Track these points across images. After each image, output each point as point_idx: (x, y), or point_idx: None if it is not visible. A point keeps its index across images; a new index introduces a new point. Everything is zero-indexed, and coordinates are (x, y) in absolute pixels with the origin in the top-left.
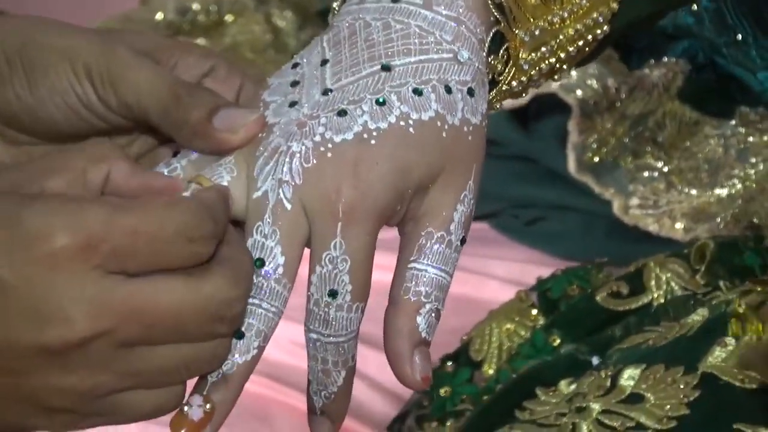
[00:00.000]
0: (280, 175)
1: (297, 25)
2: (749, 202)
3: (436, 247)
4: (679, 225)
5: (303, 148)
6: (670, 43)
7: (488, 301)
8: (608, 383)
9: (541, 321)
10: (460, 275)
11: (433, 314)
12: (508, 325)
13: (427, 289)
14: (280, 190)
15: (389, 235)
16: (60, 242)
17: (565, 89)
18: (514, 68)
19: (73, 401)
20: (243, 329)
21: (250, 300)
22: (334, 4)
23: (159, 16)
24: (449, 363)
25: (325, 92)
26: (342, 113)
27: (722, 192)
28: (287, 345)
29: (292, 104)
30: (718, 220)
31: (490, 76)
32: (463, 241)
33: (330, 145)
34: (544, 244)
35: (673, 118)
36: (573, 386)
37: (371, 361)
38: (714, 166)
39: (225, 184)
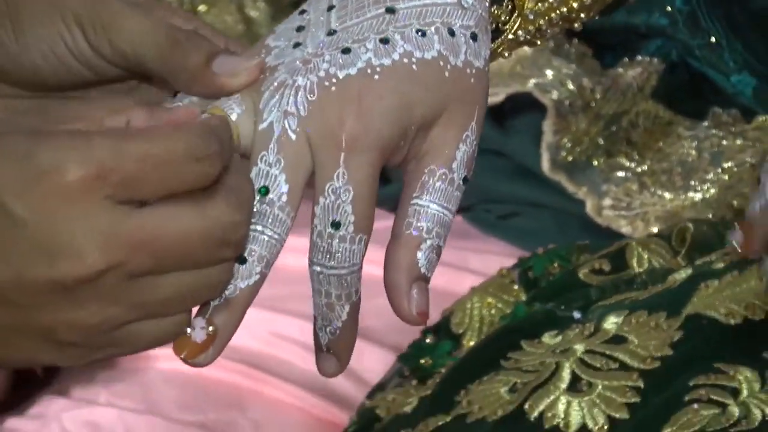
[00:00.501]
0: (286, 107)
1: (270, 16)
2: (727, 191)
3: (438, 184)
4: (654, 229)
5: (308, 82)
6: (644, 41)
7: (461, 293)
8: (591, 329)
9: (522, 297)
10: (437, 268)
11: (433, 251)
12: (490, 299)
13: (429, 224)
14: (285, 121)
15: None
16: (71, 175)
17: (540, 89)
18: (519, 18)
19: (83, 335)
20: (246, 254)
21: (254, 226)
22: None
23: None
24: (430, 335)
25: (330, 33)
26: (346, 51)
27: (696, 196)
28: (264, 335)
29: (296, 45)
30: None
31: (494, 26)
32: (465, 180)
33: (334, 80)
34: (518, 240)
35: (647, 117)
36: (558, 338)
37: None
38: (687, 169)
39: (234, 117)
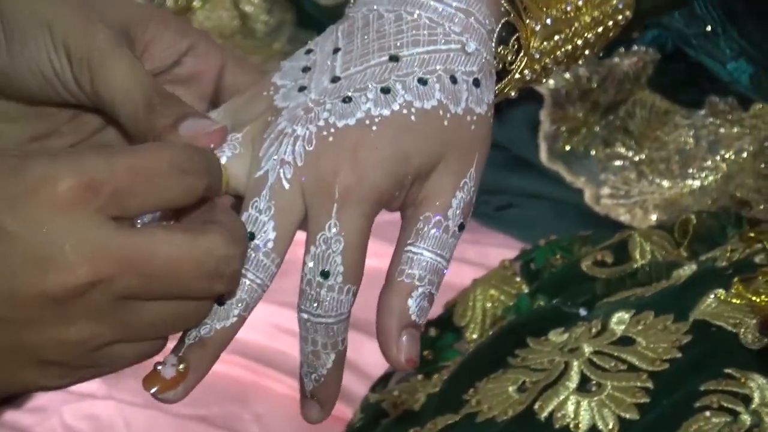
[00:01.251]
0: (283, 155)
1: (265, 10)
2: (728, 181)
3: (433, 231)
4: (653, 217)
5: (307, 131)
6: (640, 31)
7: (460, 285)
8: (599, 327)
9: (525, 289)
10: None
11: (425, 298)
12: (492, 292)
13: (421, 272)
14: (281, 170)
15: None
16: (63, 185)
17: None
18: (525, 57)
19: (68, 353)
20: (224, 297)
21: None
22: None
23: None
24: (433, 328)
25: (334, 79)
26: (347, 100)
27: (694, 183)
28: (266, 328)
29: (301, 89)
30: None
31: (500, 66)
32: (461, 227)
33: (332, 130)
34: (516, 231)
35: (644, 106)
36: (564, 336)
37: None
38: (685, 157)
39: (224, 160)
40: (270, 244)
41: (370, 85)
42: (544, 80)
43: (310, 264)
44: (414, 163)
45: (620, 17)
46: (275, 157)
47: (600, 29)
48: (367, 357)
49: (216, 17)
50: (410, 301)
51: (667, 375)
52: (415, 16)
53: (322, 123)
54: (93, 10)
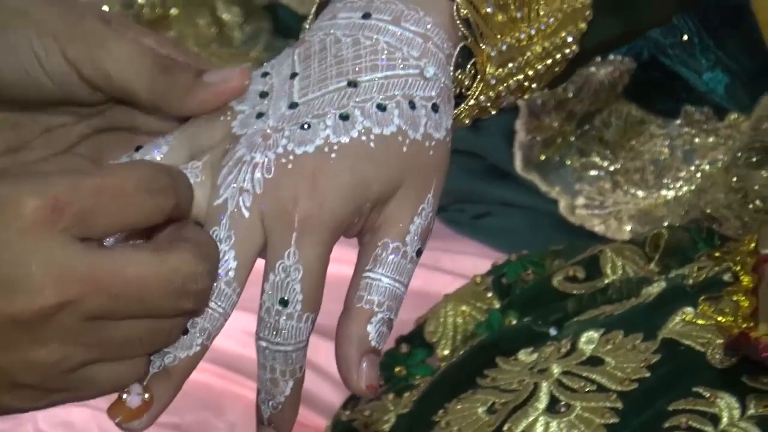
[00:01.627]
0: (242, 183)
1: (242, 19)
2: (700, 195)
3: (391, 257)
4: (627, 227)
5: (266, 159)
6: None
7: (436, 294)
8: (568, 347)
9: (496, 304)
10: None
11: (384, 324)
12: (464, 307)
13: (380, 298)
14: (240, 198)
15: None
16: (28, 206)
17: None
18: (481, 83)
19: (41, 376)
20: (188, 325)
21: None
22: (306, 23)
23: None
24: (404, 344)
25: (292, 105)
26: (306, 126)
27: (669, 194)
28: (240, 335)
29: (259, 115)
30: (666, 223)
31: (458, 91)
32: (419, 253)
33: (291, 157)
34: (491, 239)
35: (619, 116)
36: (534, 356)
37: (321, 351)
38: (660, 167)
39: None
40: (231, 273)
41: (328, 111)
42: (494, 112)
43: (269, 292)
44: (373, 190)
45: (568, 51)
46: (234, 185)
47: (549, 61)
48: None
49: (193, 25)
50: (369, 327)
51: (636, 395)
52: (373, 40)
53: (280, 150)
54: (77, 7)
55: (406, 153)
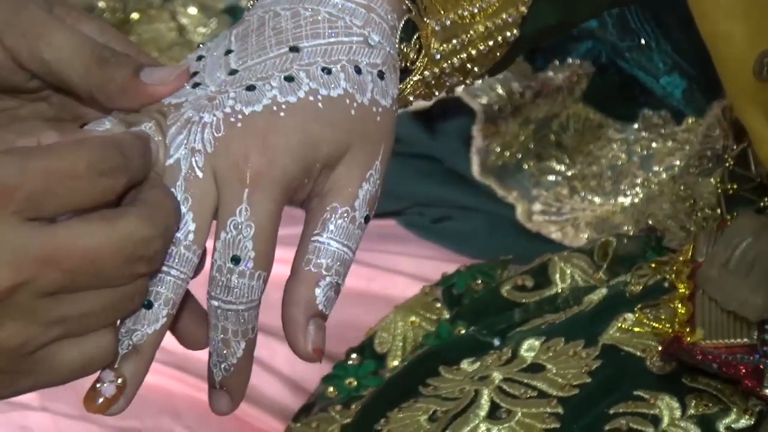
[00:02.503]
0: (193, 143)
1: (202, 22)
2: (648, 204)
3: (339, 221)
4: (584, 235)
5: (214, 118)
6: (574, 43)
7: (396, 297)
8: (509, 354)
9: (446, 314)
10: (368, 271)
11: (332, 288)
12: (413, 318)
13: (328, 261)
14: (193, 159)
15: (294, 231)
16: None
17: (469, 94)
18: (426, 57)
19: (5, 359)
20: (152, 299)
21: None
22: (249, 4)
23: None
24: (354, 355)
25: (231, 72)
26: (251, 88)
27: (625, 201)
28: None
29: (196, 85)
30: (625, 229)
31: (403, 64)
32: (367, 219)
33: (240, 116)
34: (451, 243)
35: (577, 120)
36: (476, 365)
37: (280, 355)
38: (617, 173)
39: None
40: (191, 236)
41: (272, 74)
42: (437, 93)
43: (221, 249)
44: (322, 151)
45: (509, 33)
46: (185, 146)
47: (491, 42)
48: (301, 371)
49: (153, 30)
50: (317, 291)
51: (577, 400)
52: (313, 11)
53: (228, 110)
54: None
55: (354, 116)
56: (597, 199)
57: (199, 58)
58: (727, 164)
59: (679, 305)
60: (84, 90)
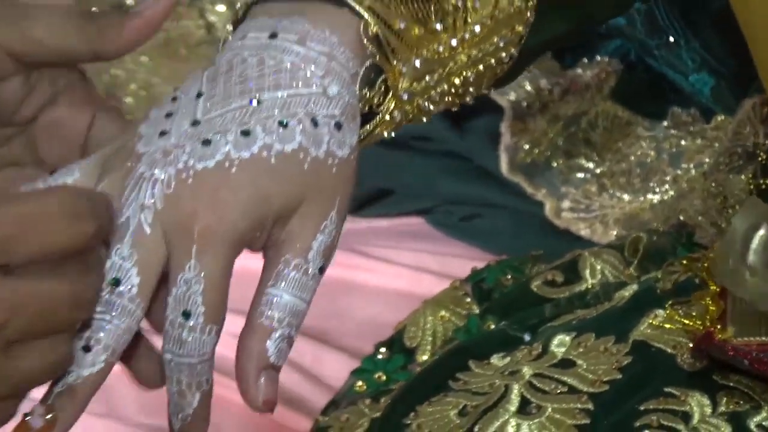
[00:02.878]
0: (143, 200)
1: (230, 20)
2: (679, 200)
3: (293, 274)
4: (613, 232)
5: (165, 175)
6: (603, 41)
7: (423, 295)
8: (539, 350)
9: (476, 309)
10: (394, 269)
11: (284, 340)
12: (443, 313)
13: (281, 314)
14: (142, 215)
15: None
16: None
17: (498, 91)
18: (393, 99)
19: None
20: (90, 343)
21: (102, 316)
22: (220, 44)
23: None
24: (383, 349)
25: (194, 123)
26: (206, 143)
27: (654, 198)
28: (223, 336)
29: (162, 134)
30: (654, 226)
31: (367, 108)
32: (321, 270)
33: (191, 172)
34: (479, 241)
35: (606, 117)
36: (506, 360)
37: (308, 353)
38: (646, 170)
39: None
40: (134, 290)
41: (230, 128)
42: (425, 119)
43: (172, 305)
44: (274, 205)
45: (503, 54)
46: (135, 202)
47: (480, 67)
48: (326, 367)
49: (182, 27)
50: (269, 343)
51: (607, 396)
52: (278, 60)
53: (181, 165)
54: None
55: (308, 170)
56: (626, 197)
57: (174, 99)
58: (760, 159)
59: (710, 302)
60: (85, 50)
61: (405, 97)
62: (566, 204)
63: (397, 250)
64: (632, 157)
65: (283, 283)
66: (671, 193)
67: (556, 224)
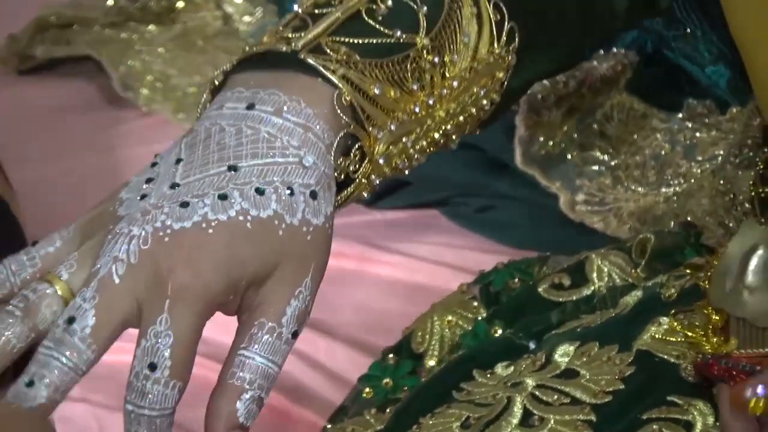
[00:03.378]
0: (117, 253)
1: (248, 11)
2: (687, 199)
3: (266, 337)
4: (626, 226)
5: (143, 232)
6: (620, 33)
7: (441, 288)
8: (543, 360)
9: (483, 313)
10: (412, 263)
11: (254, 402)
12: (450, 317)
13: (252, 376)
14: (114, 266)
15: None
16: None
17: None
18: (370, 165)
19: None
20: (34, 378)
21: (50, 352)
22: (198, 110)
23: (110, 1)
24: (391, 356)
25: (173, 186)
26: (185, 204)
27: (669, 191)
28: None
29: (143, 197)
30: (653, 228)
31: (342, 176)
32: (295, 334)
33: (168, 231)
34: (495, 233)
35: (622, 110)
36: (510, 369)
37: (321, 347)
38: (660, 163)
39: (66, 276)
40: (87, 330)
41: (208, 192)
42: (407, 172)
43: (140, 356)
44: (249, 268)
45: (485, 101)
46: (109, 255)
47: (461, 118)
48: (338, 360)
49: (199, 18)
50: (239, 404)
51: (610, 407)
52: (255, 130)
53: (159, 224)
54: None
55: (282, 237)
56: (640, 189)
57: (154, 164)
58: (758, 167)
59: (713, 311)
60: None
61: (381, 161)
62: (580, 197)
63: (413, 244)
64: (647, 150)
65: (256, 346)
66: (685, 185)
67: (571, 217)
